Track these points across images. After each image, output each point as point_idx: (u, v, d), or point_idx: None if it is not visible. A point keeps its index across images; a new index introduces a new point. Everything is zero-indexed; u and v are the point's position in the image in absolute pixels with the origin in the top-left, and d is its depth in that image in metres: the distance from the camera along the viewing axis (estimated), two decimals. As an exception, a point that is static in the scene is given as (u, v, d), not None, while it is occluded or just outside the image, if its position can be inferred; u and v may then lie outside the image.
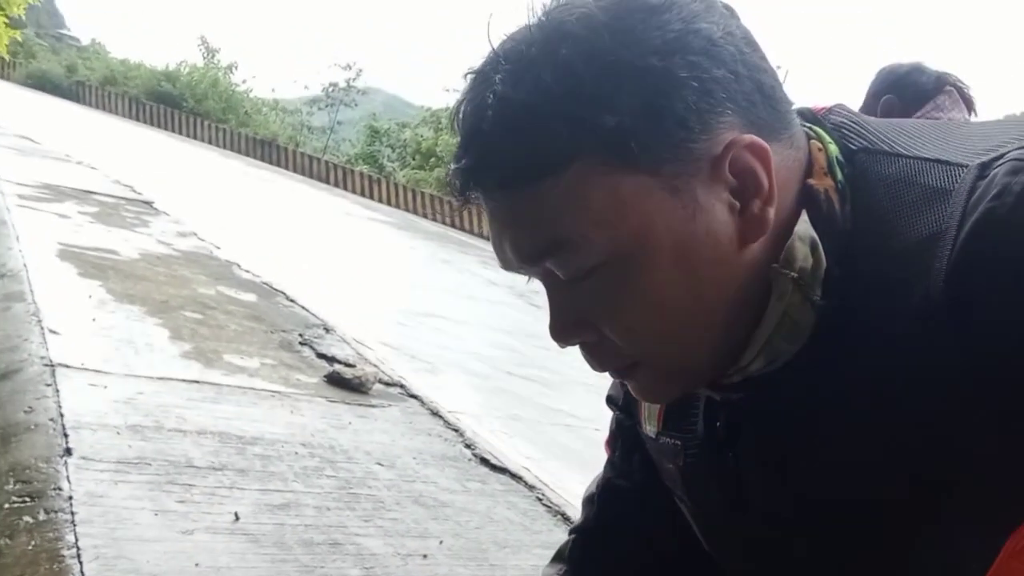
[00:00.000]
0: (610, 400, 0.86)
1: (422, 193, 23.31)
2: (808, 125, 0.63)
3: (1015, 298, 0.48)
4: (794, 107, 0.62)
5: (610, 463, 0.89)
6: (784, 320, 0.57)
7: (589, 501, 0.91)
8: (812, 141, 0.61)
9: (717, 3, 0.58)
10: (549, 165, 0.56)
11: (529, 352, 6.83)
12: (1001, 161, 0.52)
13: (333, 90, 31.26)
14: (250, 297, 5.55)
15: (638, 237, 0.56)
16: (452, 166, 0.61)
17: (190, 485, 2.49)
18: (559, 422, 4.99)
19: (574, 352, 0.65)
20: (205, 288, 5.37)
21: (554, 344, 0.63)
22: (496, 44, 0.59)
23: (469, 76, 0.59)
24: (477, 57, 0.62)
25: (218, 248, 6.99)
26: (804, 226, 0.58)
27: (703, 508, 0.73)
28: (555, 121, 0.54)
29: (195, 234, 7.35)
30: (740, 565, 0.71)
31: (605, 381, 0.77)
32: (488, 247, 0.67)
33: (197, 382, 3.50)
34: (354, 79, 31.13)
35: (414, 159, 27.55)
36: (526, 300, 10.97)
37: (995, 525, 0.51)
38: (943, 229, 0.52)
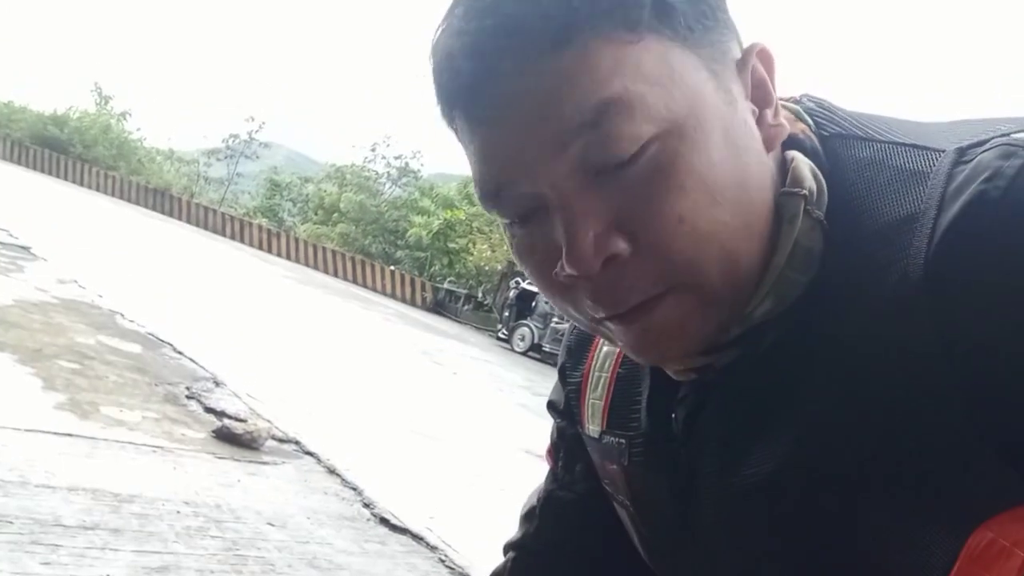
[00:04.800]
0: (551, 406, 0.81)
1: (323, 248, 22.94)
2: None
3: (1007, 285, 0.45)
4: None
5: (552, 474, 0.83)
6: (795, 249, 0.54)
7: (529, 516, 0.84)
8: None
9: None
10: (605, 18, 0.49)
11: (431, 409, 6.69)
12: (984, 147, 0.49)
13: (234, 141, 30.67)
14: (133, 347, 5.23)
15: (693, 109, 0.51)
16: (461, 28, 0.52)
17: (57, 545, 2.26)
18: (462, 479, 4.86)
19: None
20: (84, 337, 5.03)
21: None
22: None
23: None
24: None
25: (100, 296, 6.59)
26: (801, 157, 0.56)
27: (646, 512, 0.68)
28: None
29: (76, 281, 6.92)
30: None
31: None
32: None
33: (70, 435, 3.22)
34: (256, 131, 30.69)
35: (316, 214, 27.19)
36: (429, 358, 10.82)
37: (961, 524, 0.48)
38: (920, 211, 0.50)
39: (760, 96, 0.55)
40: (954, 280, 0.47)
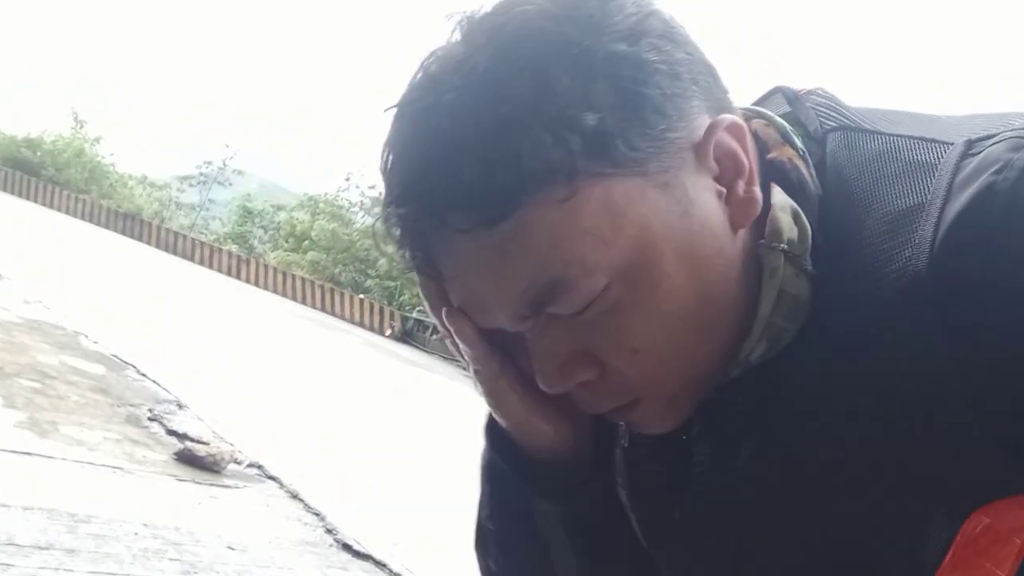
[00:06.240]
0: None
1: (293, 276, 22.79)
2: (745, 107, 0.61)
3: (1014, 277, 0.46)
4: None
5: None
6: (781, 297, 0.54)
7: None
8: (754, 120, 0.59)
9: None
10: (536, 184, 0.47)
11: (396, 436, 6.65)
12: (994, 140, 0.49)
13: (207, 167, 30.51)
14: (97, 368, 5.15)
15: (639, 248, 0.50)
16: (393, 212, 0.52)
17: (9, 565, 2.22)
18: (427, 506, 4.83)
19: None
20: (46, 357, 4.95)
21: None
22: (418, 71, 0.51)
23: (395, 109, 0.52)
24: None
25: (65, 317, 6.50)
26: (781, 196, 0.54)
27: (641, 496, 0.67)
28: (536, 130, 0.47)
29: (41, 302, 6.82)
30: (668, 567, 0.66)
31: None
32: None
33: (28, 453, 3.17)
34: (230, 157, 30.56)
35: (287, 242, 27.02)
36: (395, 386, 10.75)
37: (957, 510, 0.49)
38: (927, 201, 0.49)
39: (730, 169, 0.53)
40: (959, 270, 0.47)
